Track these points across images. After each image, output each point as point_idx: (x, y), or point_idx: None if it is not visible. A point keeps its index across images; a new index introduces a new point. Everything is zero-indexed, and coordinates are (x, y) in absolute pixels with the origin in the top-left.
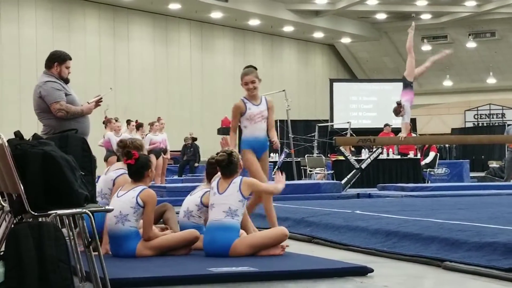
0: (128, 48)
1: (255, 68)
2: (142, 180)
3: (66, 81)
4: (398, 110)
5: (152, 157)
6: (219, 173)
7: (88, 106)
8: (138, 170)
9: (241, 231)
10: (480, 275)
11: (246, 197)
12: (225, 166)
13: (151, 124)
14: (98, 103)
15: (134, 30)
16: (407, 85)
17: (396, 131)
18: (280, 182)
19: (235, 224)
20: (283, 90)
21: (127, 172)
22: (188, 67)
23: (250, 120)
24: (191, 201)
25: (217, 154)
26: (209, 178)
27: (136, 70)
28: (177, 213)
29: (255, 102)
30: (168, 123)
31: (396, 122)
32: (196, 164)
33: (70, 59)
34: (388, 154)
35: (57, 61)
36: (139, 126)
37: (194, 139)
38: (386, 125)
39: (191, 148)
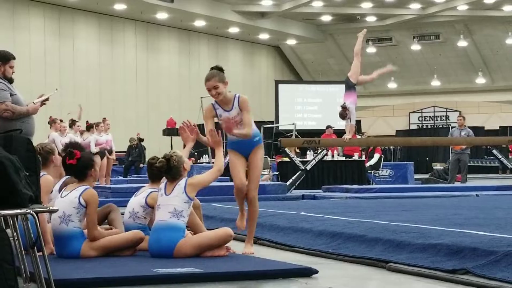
0: (73, 48)
1: (219, 69)
2: (85, 180)
3: (10, 80)
4: (344, 114)
5: (96, 157)
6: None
7: (34, 106)
8: (80, 170)
9: (188, 232)
10: (424, 276)
11: (192, 198)
12: (166, 171)
13: (96, 125)
14: (43, 102)
15: (79, 29)
16: (351, 87)
17: (339, 132)
18: (215, 142)
19: (180, 224)
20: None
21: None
22: (133, 67)
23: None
24: (136, 202)
25: (154, 159)
26: (152, 179)
27: (81, 70)
28: (122, 214)
29: (226, 108)
30: (113, 123)
31: (341, 123)
32: (142, 165)
33: (14, 58)
34: (332, 156)
35: (0, 61)
36: (89, 127)
37: (141, 139)
38: (328, 126)
39: (136, 149)
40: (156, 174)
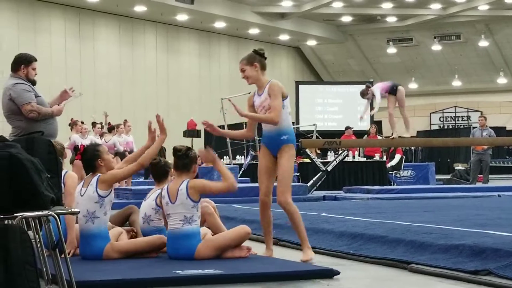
0: (94, 50)
1: (256, 52)
2: (96, 170)
3: (33, 82)
4: (365, 92)
5: (102, 147)
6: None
7: (58, 108)
8: (87, 163)
9: (205, 230)
10: (446, 277)
11: (197, 201)
12: (181, 157)
13: (117, 126)
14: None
15: (100, 32)
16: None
17: (359, 133)
18: (207, 160)
19: (194, 230)
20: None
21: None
22: (153, 69)
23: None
24: (147, 206)
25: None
26: (158, 179)
27: (101, 72)
28: None
29: (259, 92)
30: (134, 125)
31: (362, 124)
32: None
33: (36, 60)
34: (353, 157)
35: (23, 63)
36: (111, 128)
37: None
38: (347, 127)
39: None
40: (161, 173)
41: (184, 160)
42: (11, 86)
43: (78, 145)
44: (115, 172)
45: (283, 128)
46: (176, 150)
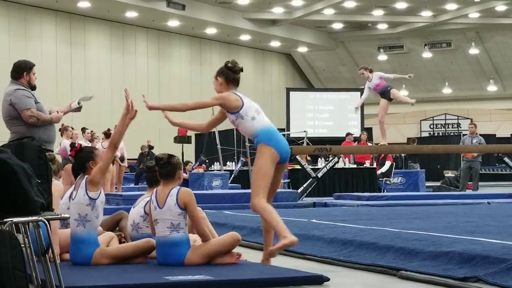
0: (85, 56)
1: (225, 65)
2: (86, 172)
3: (34, 88)
4: (365, 68)
5: (98, 151)
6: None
7: (57, 115)
8: (80, 162)
9: (195, 237)
10: (436, 284)
11: (184, 210)
12: (163, 165)
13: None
14: (76, 110)
15: (91, 37)
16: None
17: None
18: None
19: (182, 237)
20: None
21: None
22: (145, 75)
23: None
24: (135, 213)
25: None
26: (151, 184)
27: (92, 77)
28: None
29: None
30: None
31: (353, 131)
32: None
33: (34, 65)
34: (344, 163)
35: (25, 70)
36: (109, 134)
37: (151, 147)
38: (348, 134)
39: (147, 156)
40: (155, 178)
41: (167, 168)
42: (12, 91)
43: (74, 143)
44: (97, 166)
45: (253, 132)
46: (158, 159)
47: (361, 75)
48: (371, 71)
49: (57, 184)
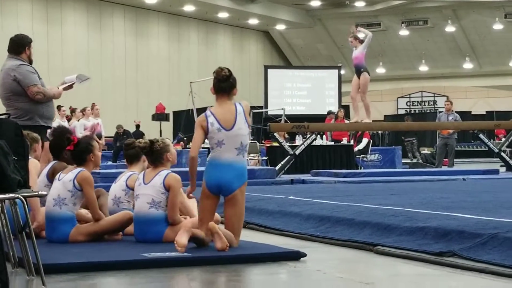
0: (62, 33)
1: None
2: (84, 164)
3: (31, 62)
4: (356, 38)
5: (95, 141)
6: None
7: (59, 91)
8: (78, 155)
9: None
10: (411, 259)
11: (168, 191)
12: (147, 153)
13: (83, 110)
14: (69, 88)
15: (68, 15)
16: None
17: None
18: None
19: (162, 215)
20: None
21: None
22: (122, 52)
23: None
24: (117, 188)
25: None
26: (130, 161)
27: (69, 55)
28: None
29: None
30: (102, 109)
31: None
32: None
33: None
34: (327, 140)
35: (26, 45)
36: (72, 111)
37: (138, 126)
38: (329, 112)
39: (124, 135)
40: (134, 155)
41: (152, 156)
42: (15, 67)
43: (69, 136)
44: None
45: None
46: (141, 149)
47: (350, 43)
48: (360, 42)
49: (34, 162)
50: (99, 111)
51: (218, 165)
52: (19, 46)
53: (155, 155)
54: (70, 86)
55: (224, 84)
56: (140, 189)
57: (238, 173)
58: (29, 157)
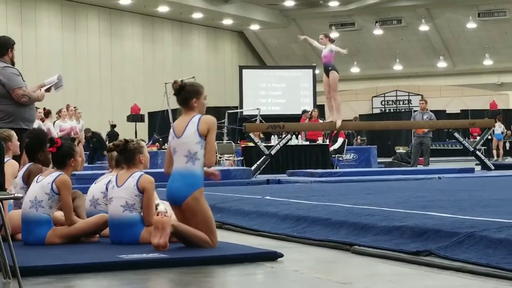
0: (36, 35)
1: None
2: (64, 168)
3: (13, 64)
4: (326, 36)
5: (77, 146)
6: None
7: (42, 93)
8: (59, 159)
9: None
10: (389, 258)
11: (142, 193)
12: (120, 152)
13: (59, 111)
14: (49, 90)
15: (42, 16)
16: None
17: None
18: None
19: (136, 217)
20: (193, 77)
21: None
22: (97, 53)
23: None
24: (96, 189)
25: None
26: (115, 166)
27: (43, 56)
28: None
29: None
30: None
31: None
32: (105, 153)
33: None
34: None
35: (9, 47)
36: (47, 113)
37: (113, 126)
38: (304, 111)
39: (93, 139)
40: (118, 160)
41: (125, 154)
42: (0, 69)
43: (53, 138)
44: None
45: None
46: (115, 147)
47: (320, 40)
48: (331, 41)
49: (11, 163)
50: (81, 114)
51: (172, 174)
52: (2, 48)
53: (128, 154)
54: (49, 89)
55: (178, 98)
56: (114, 192)
57: (186, 181)
58: (7, 158)
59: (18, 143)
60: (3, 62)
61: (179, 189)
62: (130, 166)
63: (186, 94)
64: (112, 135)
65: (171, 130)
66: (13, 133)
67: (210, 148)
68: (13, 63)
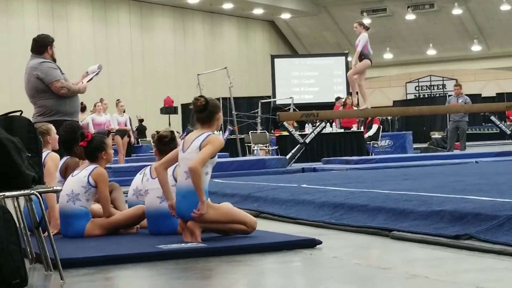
0: (68, 30)
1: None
2: (96, 161)
3: (55, 61)
4: (360, 24)
5: (108, 139)
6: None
7: (84, 85)
8: (91, 152)
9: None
10: (428, 243)
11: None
12: (167, 143)
13: (94, 106)
14: (89, 80)
15: (73, 11)
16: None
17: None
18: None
19: (165, 209)
20: (225, 68)
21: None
22: (128, 47)
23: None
24: (139, 180)
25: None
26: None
27: (76, 51)
28: (125, 193)
29: None
30: (111, 104)
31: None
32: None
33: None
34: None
35: (49, 45)
36: (83, 108)
37: (141, 120)
38: (338, 98)
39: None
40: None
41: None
42: (37, 65)
43: (84, 132)
44: (105, 198)
45: None
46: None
47: (354, 28)
48: (366, 29)
49: (53, 156)
50: (124, 107)
51: (176, 193)
52: (42, 46)
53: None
54: (90, 80)
55: (202, 115)
56: (149, 184)
57: (191, 200)
58: (47, 151)
59: (57, 136)
60: (41, 58)
61: (187, 210)
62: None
63: (212, 109)
64: (141, 129)
65: (182, 141)
66: (52, 126)
67: (200, 153)
68: (54, 60)
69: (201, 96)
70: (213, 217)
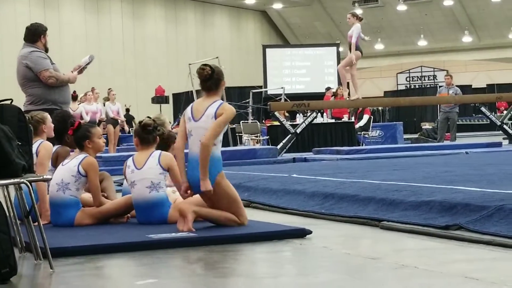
0: (59, 18)
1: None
2: (84, 150)
3: (47, 50)
4: (353, 15)
5: (96, 128)
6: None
7: (74, 75)
8: (76, 141)
9: (176, 195)
10: (417, 233)
11: (166, 169)
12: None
13: (85, 95)
14: (81, 71)
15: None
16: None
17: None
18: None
19: (162, 197)
20: (217, 57)
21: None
22: (120, 35)
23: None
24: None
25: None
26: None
27: (67, 40)
28: (116, 182)
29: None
30: (102, 93)
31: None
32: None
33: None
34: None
35: (42, 34)
36: (75, 98)
37: (128, 110)
38: (328, 88)
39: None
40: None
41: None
42: (27, 54)
43: (72, 121)
44: (95, 181)
45: None
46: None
47: (348, 19)
48: (359, 19)
49: (46, 145)
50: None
51: (189, 160)
52: (35, 34)
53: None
54: (81, 70)
55: (209, 83)
56: (135, 176)
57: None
58: (41, 139)
59: (52, 125)
60: (31, 47)
61: (199, 178)
62: (147, 146)
63: (218, 76)
64: (128, 119)
65: (189, 111)
66: (47, 115)
67: (213, 127)
68: (46, 49)
69: (205, 64)
70: (222, 192)
